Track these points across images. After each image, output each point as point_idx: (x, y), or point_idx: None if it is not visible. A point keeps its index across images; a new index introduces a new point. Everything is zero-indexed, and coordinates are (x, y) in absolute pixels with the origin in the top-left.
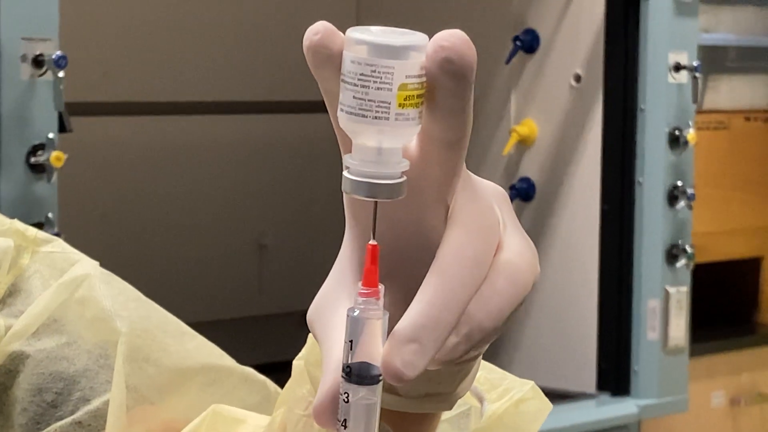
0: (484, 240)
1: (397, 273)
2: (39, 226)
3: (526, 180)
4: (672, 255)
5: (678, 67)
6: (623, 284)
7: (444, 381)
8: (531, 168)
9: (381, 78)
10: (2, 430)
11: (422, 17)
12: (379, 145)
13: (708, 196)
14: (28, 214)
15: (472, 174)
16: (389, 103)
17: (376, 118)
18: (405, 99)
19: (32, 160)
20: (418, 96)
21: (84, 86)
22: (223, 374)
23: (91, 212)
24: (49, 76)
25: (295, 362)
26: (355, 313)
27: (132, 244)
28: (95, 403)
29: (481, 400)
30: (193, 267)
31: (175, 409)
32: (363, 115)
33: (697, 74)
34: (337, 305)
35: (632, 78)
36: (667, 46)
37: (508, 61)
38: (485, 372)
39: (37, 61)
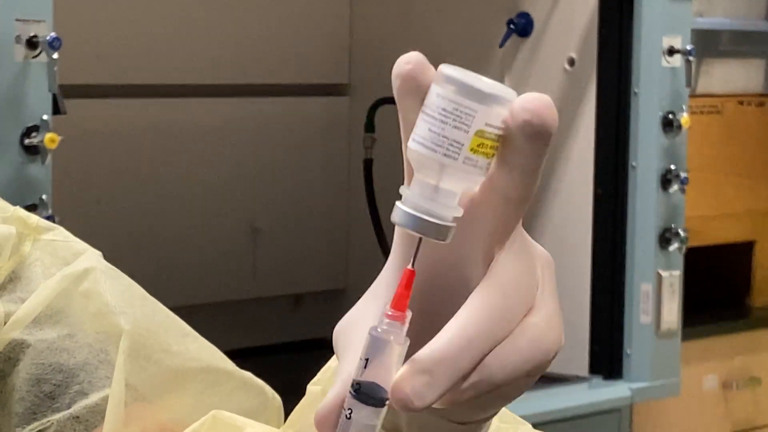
0: (517, 298)
1: (428, 310)
2: (33, 207)
3: None
4: (665, 239)
5: (672, 51)
6: (616, 268)
7: None
8: None
9: (461, 118)
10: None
11: (417, 0)
12: (438, 183)
13: (701, 180)
14: (22, 196)
15: (525, 233)
16: (462, 145)
17: (445, 155)
18: (478, 145)
19: (26, 141)
20: (492, 147)
21: (78, 69)
22: (223, 378)
23: (86, 195)
24: (43, 57)
25: (310, 387)
26: (377, 332)
27: (126, 227)
28: (93, 398)
29: None
30: (187, 250)
31: (173, 409)
32: (433, 150)
33: (691, 58)
34: (363, 324)
35: (626, 62)
36: (661, 30)
37: (501, 45)
38: (497, 421)
39: (31, 43)
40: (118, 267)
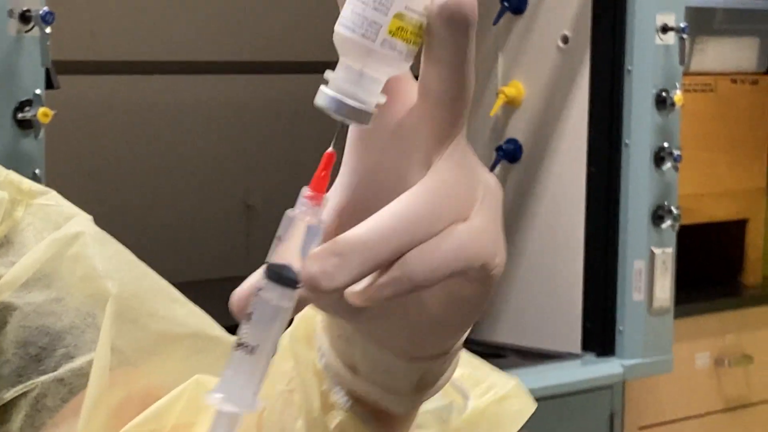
0: (447, 204)
1: (367, 216)
2: None
3: (513, 141)
4: (658, 216)
5: (665, 29)
6: (609, 245)
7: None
8: (518, 129)
9: (381, 0)
10: None
11: None
12: (361, 68)
13: (694, 158)
14: (15, 170)
15: (473, 156)
16: (380, 26)
17: (363, 35)
18: (397, 29)
19: (19, 116)
20: (413, 33)
21: (71, 45)
22: (211, 344)
23: (78, 170)
24: (35, 32)
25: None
26: (291, 212)
27: (118, 203)
28: (78, 362)
29: (464, 395)
30: (180, 227)
31: (158, 374)
32: (353, 30)
33: (685, 36)
34: None
35: (619, 39)
36: (655, 7)
37: (495, 22)
38: (470, 369)
39: (24, 17)
40: None
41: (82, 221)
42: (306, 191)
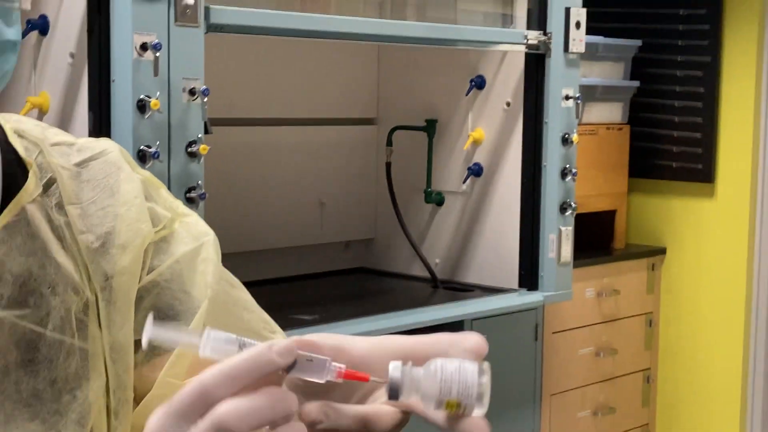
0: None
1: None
2: (192, 188)
3: (477, 164)
4: (563, 208)
5: (568, 97)
6: (534, 224)
7: None
8: (480, 157)
9: None
10: (125, 323)
11: (418, 63)
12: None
13: (584, 174)
14: (187, 181)
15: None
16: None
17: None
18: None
19: (189, 149)
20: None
21: (218, 107)
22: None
23: (224, 182)
24: (198, 100)
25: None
26: (324, 363)
27: (243, 201)
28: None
29: None
30: (275, 219)
31: None
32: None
33: (578, 101)
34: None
35: (540, 102)
36: (560, 84)
37: (467, 94)
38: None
39: (192, 92)
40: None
41: (210, 236)
42: (340, 369)
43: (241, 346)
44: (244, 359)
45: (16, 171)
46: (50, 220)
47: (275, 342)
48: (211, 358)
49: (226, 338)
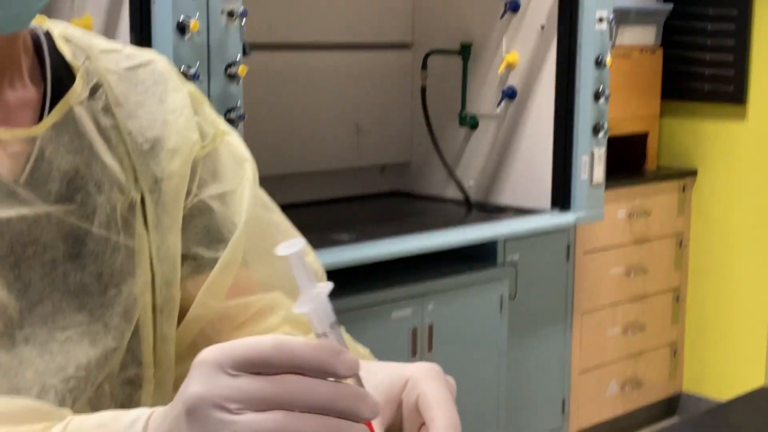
0: None
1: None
2: (232, 109)
3: (511, 87)
4: (596, 130)
5: (601, 20)
6: (567, 146)
7: None
8: (514, 80)
9: None
10: (173, 225)
11: None
12: None
13: (617, 95)
14: (226, 102)
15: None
16: None
17: None
18: None
19: (228, 71)
20: None
21: (256, 31)
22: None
23: (262, 103)
24: (237, 23)
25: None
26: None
27: (280, 122)
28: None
29: None
30: (314, 143)
31: (259, 275)
32: None
33: (612, 24)
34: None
35: (574, 25)
36: (595, 6)
37: (501, 17)
38: None
39: (230, 14)
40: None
41: (248, 160)
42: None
43: (331, 327)
44: (313, 354)
45: (64, 75)
46: (97, 122)
47: (345, 351)
48: (302, 313)
49: (326, 311)
